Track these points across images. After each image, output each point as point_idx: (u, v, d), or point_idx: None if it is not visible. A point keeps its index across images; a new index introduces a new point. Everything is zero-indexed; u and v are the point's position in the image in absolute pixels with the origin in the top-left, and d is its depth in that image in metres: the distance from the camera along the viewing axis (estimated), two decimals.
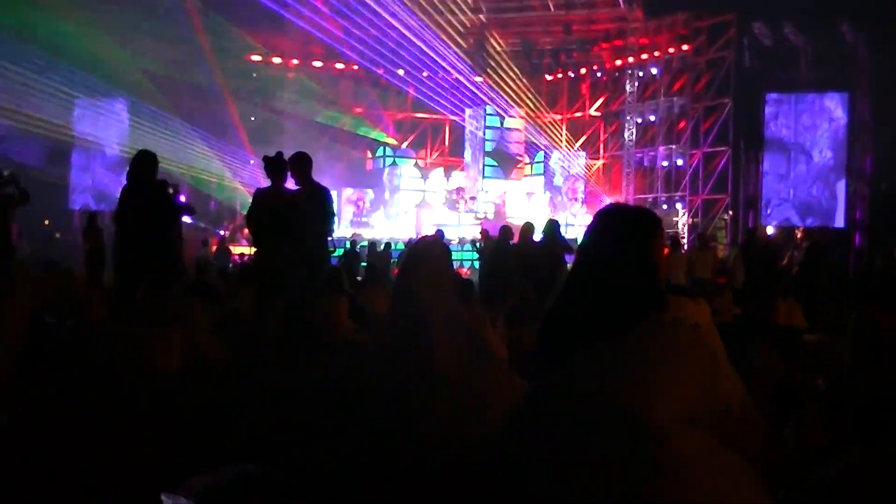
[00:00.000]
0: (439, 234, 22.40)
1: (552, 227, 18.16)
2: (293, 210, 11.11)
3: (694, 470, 3.11)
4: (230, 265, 29.66)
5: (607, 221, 3.75)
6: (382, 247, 30.24)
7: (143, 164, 11.56)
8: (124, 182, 11.72)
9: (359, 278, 21.68)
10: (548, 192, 46.81)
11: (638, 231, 3.65)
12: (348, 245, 30.45)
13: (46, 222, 43.41)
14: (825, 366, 6.65)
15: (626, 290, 3.55)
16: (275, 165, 11.50)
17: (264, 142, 44.19)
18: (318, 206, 11.41)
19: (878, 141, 39.33)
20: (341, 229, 41.01)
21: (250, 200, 11.55)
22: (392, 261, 28.30)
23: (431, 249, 5.98)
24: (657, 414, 3.19)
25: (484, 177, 46.25)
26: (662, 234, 3.76)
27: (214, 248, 33.85)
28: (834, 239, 34.45)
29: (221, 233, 38.27)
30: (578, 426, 3.25)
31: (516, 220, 36.24)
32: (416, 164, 48.94)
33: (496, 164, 46.83)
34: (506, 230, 19.91)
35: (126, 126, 43.24)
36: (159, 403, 6.45)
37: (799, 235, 26.85)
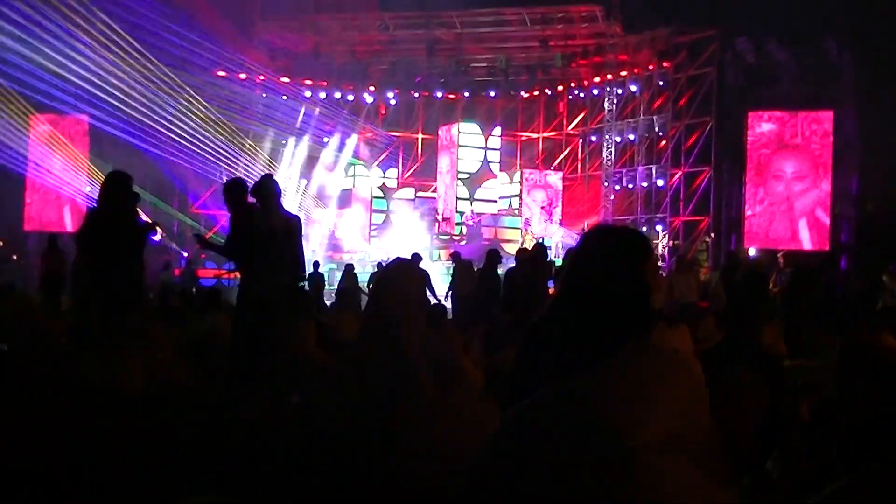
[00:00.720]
0: (416, 258, 22.39)
1: (542, 250, 18.20)
2: (285, 234, 11.18)
3: (674, 495, 3.15)
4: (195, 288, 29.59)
5: (601, 242, 3.76)
6: (346, 269, 30.16)
7: (115, 185, 11.48)
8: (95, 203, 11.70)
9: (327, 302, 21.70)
10: (524, 214, 46.80)
11: (633, 254, 3.67)
12: (312, 268, 30.42)
13: (0, 244, 43.22)
14: (810, 392, 6.70)
15: (615, 313, 3.56)
16: (264, 187, 11.54)
17: (229, 161, 44.17)
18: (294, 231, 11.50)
19: (865, 160, 39.39)
20: (311, 253, 40.96)
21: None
22: (363, 285, 28.28)
23: (404, 272, 5.99)
24: (639, 438, 3.22)
25: (458, 197, 46.25)
26: (655, 258, 3.79)
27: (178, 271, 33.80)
28: (820, 262, 34.55)
29: (185, 255, 38.17)
30: (560, 449, 3.28)
31: (491, 243, 36.33)
32: (384, 186, 48.92)
33: (471, 184, 46.85)
34: (494, 254, 19.97)
35: (87, 144, 43.22)
36: (122, 429, 6.44)
37: (780, 260, 26.96)
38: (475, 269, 22.40)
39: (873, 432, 4.62)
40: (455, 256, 25.06)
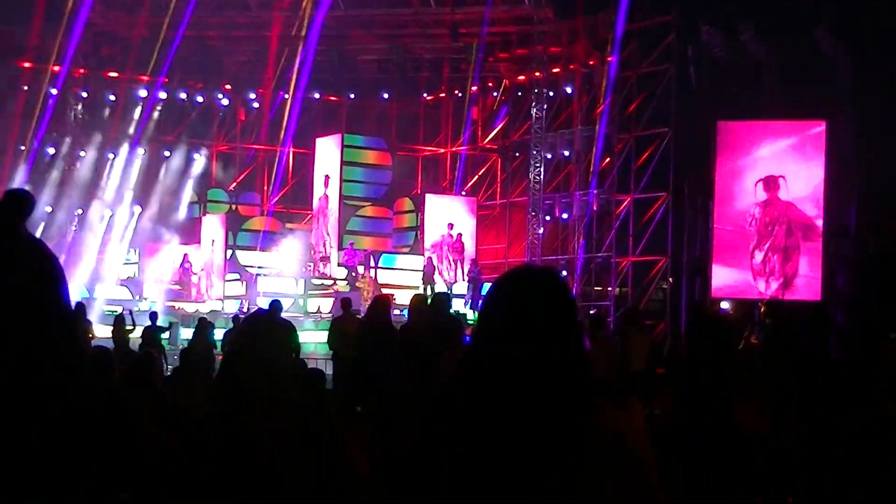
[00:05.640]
0: (275, 307, 22.31)
1: (442, 303, 18.23)
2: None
3: None
4: None
5: (522, 290, 3.74)
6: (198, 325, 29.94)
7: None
8: None
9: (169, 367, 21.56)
10: (425, 252, 46.72)
11: (567, 305, 3.68)
12: (149, 320, 30.18)
13: None
14: (793, 482, 6.81)
15: (543, 387, 3.55)
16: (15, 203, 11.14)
17: (34, 180, 43.77)
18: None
19: (865, 184, 39.11)
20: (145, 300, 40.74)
21: None
22: (215, 344, 28.09)
23: (267, 329, 5.97)
24: None
25: (341, 230, 46.05)
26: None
27: None
28: (809, 315, 34.80)
29: None
30: None
31: (386, 290, 36.35)
32: (242, 214, 48.66)
33: (358, 213, 46.76)
34: (380, 304, 19.85)
35: None
36: None
37: (762, 310, 27.21)
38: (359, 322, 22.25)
39: None
40: (344, 304, 24.96)
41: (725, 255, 40.62)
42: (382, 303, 19.91)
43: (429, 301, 20.40)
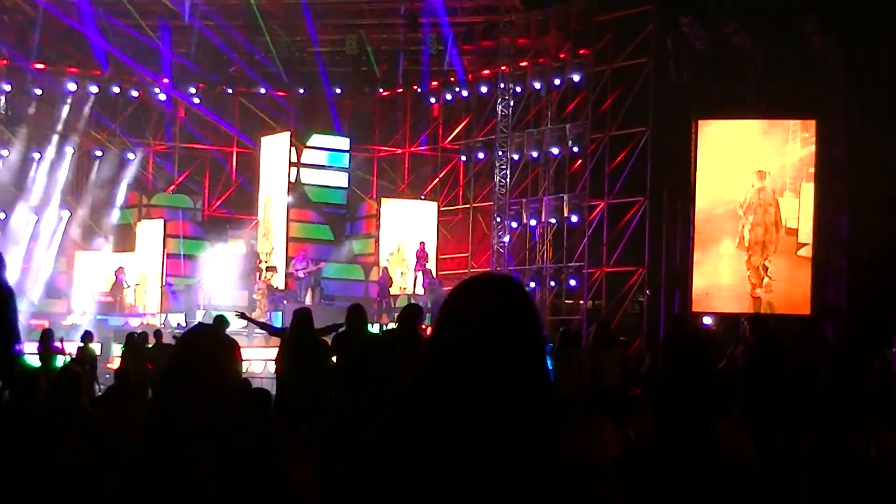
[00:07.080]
0: (219, 322, 22.31)
1: (413, 315, 18.11)
2: None
3: None
4: None
5: (478, 300, 3.72)
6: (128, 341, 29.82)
7: None
8: None
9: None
10: (381, 261, 46.62)
11: (529, 317, 3.66)
12: (81, 340, 30.02)
13: None
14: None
15: (502, 409, 3.54)
16: None
17: None
18: None
19: (857, 189, 38.91)
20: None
21: None
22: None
23: (204, 344, 5.92)
24: None
25: (289, 236, 45.80)
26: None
27: None
28: (798, 330, 34.81)
29: None
30: None
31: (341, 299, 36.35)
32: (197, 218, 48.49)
33: (308, 219, 46.57)
34: (357, 311, 19.62)
35: None
36: None
37: (746, 327, 27.27)
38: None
39: None
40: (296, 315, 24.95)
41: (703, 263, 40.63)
42: (306, 316, 19.82)
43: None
